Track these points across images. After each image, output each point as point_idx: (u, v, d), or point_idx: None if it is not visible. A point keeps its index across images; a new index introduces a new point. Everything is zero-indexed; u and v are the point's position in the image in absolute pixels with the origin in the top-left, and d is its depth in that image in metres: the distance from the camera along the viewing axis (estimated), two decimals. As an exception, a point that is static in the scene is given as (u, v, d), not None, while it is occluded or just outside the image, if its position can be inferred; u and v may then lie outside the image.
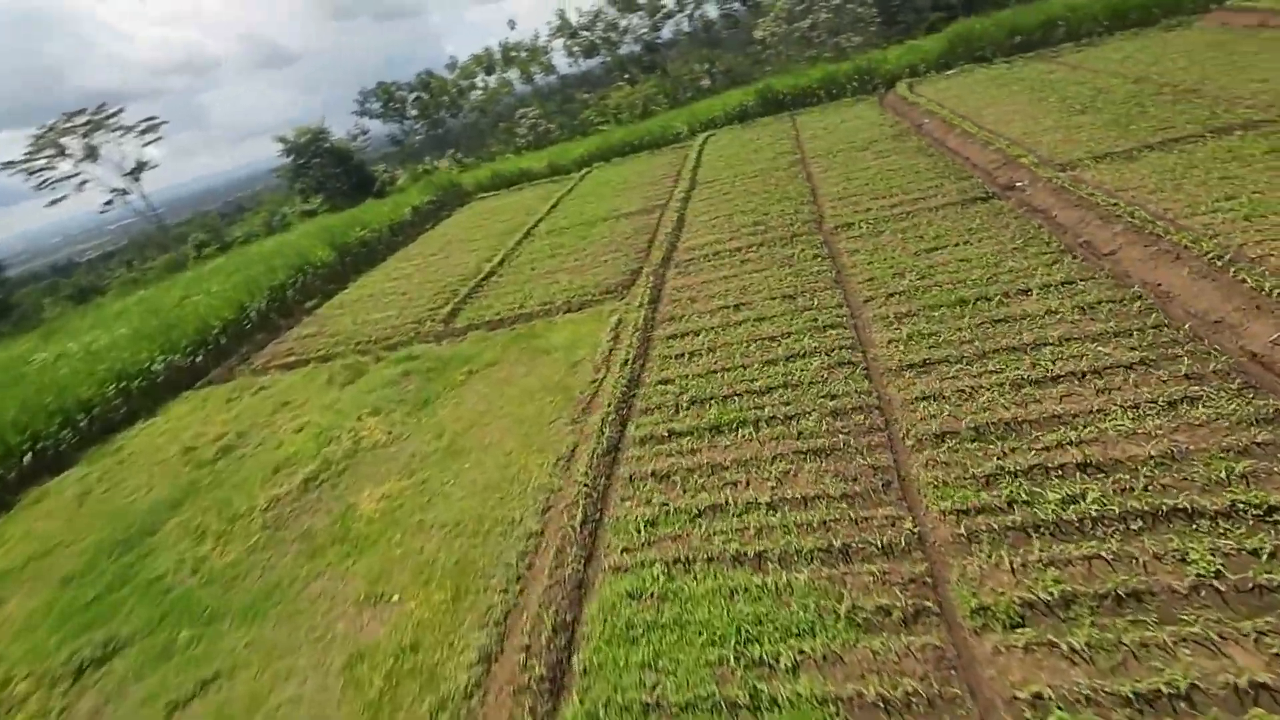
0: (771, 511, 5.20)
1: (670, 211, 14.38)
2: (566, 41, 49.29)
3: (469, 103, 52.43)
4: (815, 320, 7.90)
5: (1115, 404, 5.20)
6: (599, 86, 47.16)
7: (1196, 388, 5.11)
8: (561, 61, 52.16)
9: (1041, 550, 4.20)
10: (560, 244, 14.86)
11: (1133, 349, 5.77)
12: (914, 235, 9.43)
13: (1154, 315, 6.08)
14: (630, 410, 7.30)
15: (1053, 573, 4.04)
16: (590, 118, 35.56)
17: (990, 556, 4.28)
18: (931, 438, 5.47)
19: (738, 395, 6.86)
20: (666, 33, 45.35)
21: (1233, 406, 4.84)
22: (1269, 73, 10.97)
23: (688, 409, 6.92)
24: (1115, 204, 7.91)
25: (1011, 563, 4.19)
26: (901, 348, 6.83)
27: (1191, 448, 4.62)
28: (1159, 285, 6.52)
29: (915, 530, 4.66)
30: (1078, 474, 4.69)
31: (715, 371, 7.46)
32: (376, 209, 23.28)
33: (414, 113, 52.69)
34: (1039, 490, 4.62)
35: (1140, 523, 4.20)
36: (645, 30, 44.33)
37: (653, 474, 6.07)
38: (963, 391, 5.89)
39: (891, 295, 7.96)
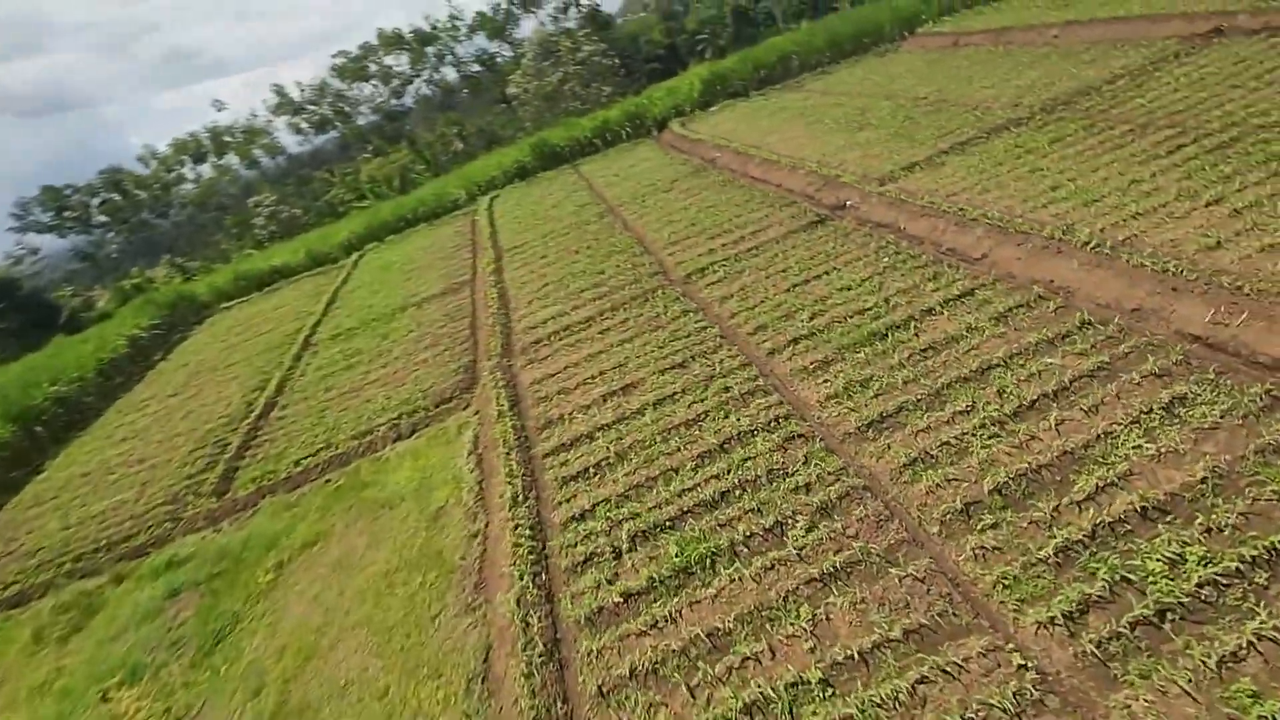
0: (832, 691, 3.69)
1: (485, 287, 12.45)
2: (291, 119, 44.39)
3: (181, 197, 44.55)
4: (727, 389, 6.68)
5: (1116, 422, 4.65)
6: (339, 162, 43.11)
7: (1179, 386, 4.75)
8: (289, 140, 46.92)
9: (1200, 651, 3.25)
10: (356, 349, 12.04)
11: (1082, 354, 5.40)
12: (776, 270, 8.80)
13: (1077, 314, 5.84)
14: (550, 573, 5.32)
15: (1240, 683, 3.09)
16: (342, 196, 31.82)
17: (1149, 678, 3.23)
18: (956, 516, 4.43)
19: (688, 514, 5.29)
20: (407, 100, 43.06)
21: (1229, 401, 4.50)
22: (991, 80, 12.64)
23: (631, 551, 5.17)
24: (962, 209, 7.97)
25: (1179, 682, 3.18)
26: (846, 405, 5.85)
27: (1229, 458, 4.13)
28: (1052, 282, 6.41)
29: (1030, 664, 3.48)
30: (1152, 525, 3.92)
31: (641, 486, 5.81)
32: (72, 349, 17.60)
33: (103, 218, 43.23)
34: (1132, 561, 3.75)
35: (1266, 574, 3.48)
36: (383, 99, 41.57)
37: (632, 675, 4.20)
38: (948, 446, 5.00)
39: (794, 342, 7.06)
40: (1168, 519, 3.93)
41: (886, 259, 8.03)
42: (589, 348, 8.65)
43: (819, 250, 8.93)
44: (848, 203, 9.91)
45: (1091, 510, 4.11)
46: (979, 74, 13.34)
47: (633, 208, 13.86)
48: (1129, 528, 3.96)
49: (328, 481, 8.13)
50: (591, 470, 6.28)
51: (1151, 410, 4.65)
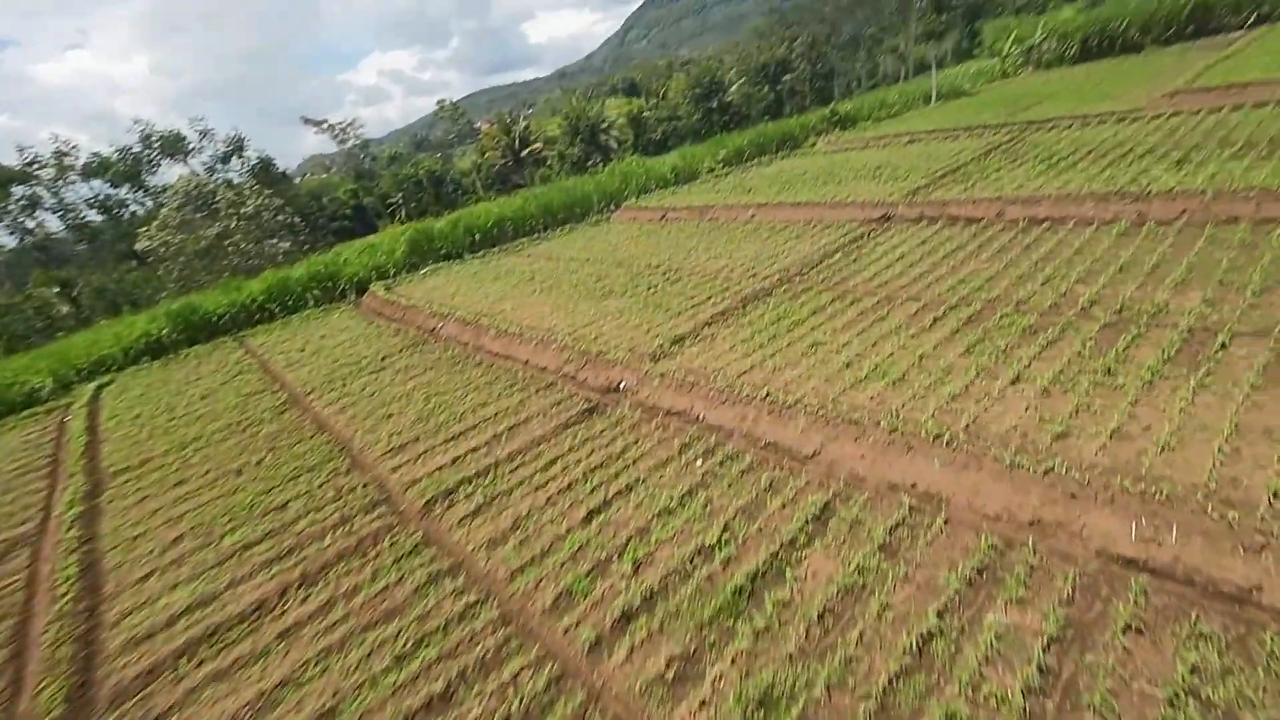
0: None
1: (61, 549, 7.36)
2: None
3: None
4: (541, 749, 3.78)
5: (1159, 734, 3.14)
6: None
7: (1179, 647, 3.52)
8: None
9: None
10: None
11: (1025, 603, 4.02)
12: (559, 487, 6.38)
13: (978, 536, 4.58)
14: None
15: None
16: None
17: None
18: None
19: None
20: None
21: (1251, 664, 3.36)
22: (715, 251, 12.93)
23: None
24: (769, 393, 6.74)
25: None
26: (759, 754, 3.47)
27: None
28: (915, 486, 5.23)
29: None
30: None
31: None
32: None
33: None
34: None
35: None
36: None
37: None
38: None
39: (625, 621, 4.58)
40: None
41: (701, 463, 6.27)
42: (263, 674, 4.85)
43: (607, 452, 6.84)
44: (622, 384, 8.21)
45: None
46: (700, 245, 13.68)
47: (330, 396, 10.28)
48: None
49: None
50: None
51: (1180, 698, 3.27)
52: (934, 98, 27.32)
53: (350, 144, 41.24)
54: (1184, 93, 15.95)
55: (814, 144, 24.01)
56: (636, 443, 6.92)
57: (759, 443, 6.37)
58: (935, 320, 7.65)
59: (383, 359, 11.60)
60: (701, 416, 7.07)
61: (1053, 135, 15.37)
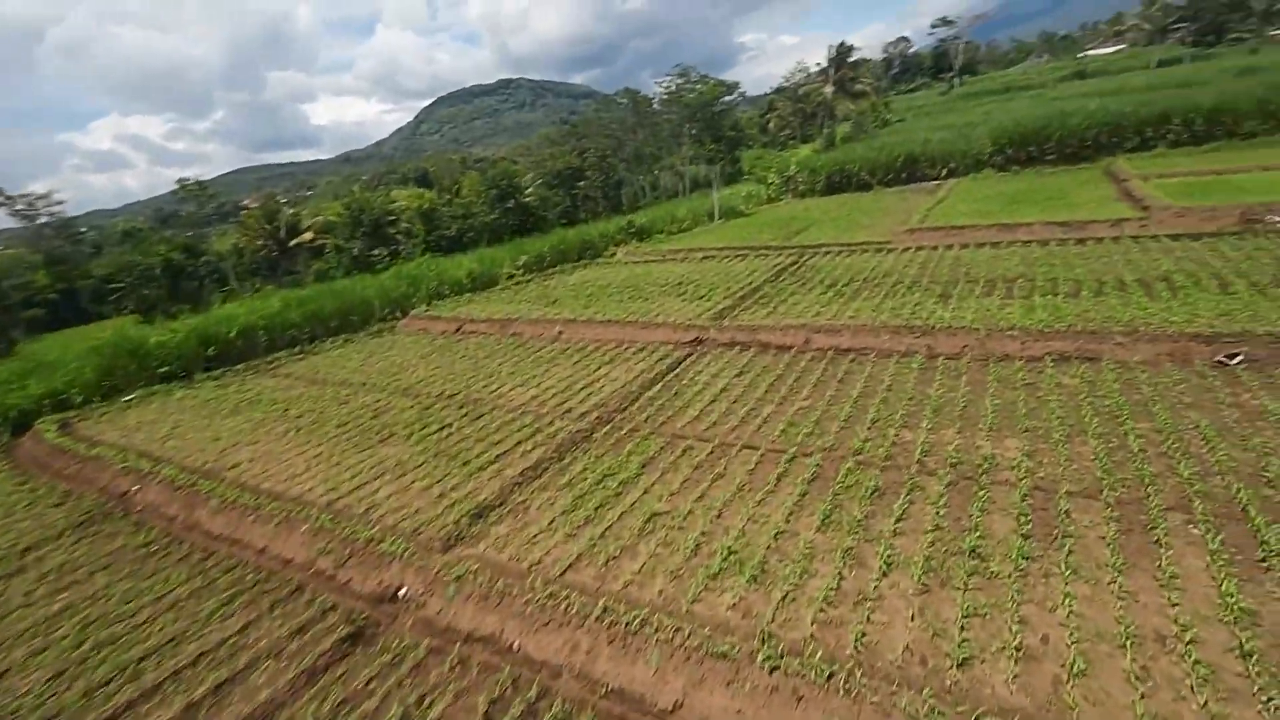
0: None
1: None
2: None
3: None
4: None
5: None
6: None
7: None
8: None
9: None
10: None
11: None
12: (289, 819, 3.95)
13: None
14: None
15: None
16: None
17: None
18: None
19: None
20: None
21: None
22: (519, 376, 11.31)
23: None
24: (605, 607, 5.11)
25: None
26: None
27: None
28: (813, 755, 3.90)
29: None
30: None
31: None
32: None
33: None
34: None
35: None
36: None
37: None
38: None
39: None
40: None
41: (520, 736, 4.35)
42: None
43: (376, 726, 4.57)
44: (402, 591, 6.00)
45: None
46: (503, 368, 12.00)
47: (-100, 636, 6.33)
48: None
49: None
50: None
51: None
52: (716, 215, 29.67)
53: (41, 221, 32.45)
54: (919, 230, 18.69)
55: (614, 254, 24.17)
56: (421, 704, 4.75)
57: (599, 690, 4.65)
58: (779, 478, 6.78)
59: (24, 551, 7.77)
60: (516, 646, 5.17)
61: (828, 260, 16.78)
